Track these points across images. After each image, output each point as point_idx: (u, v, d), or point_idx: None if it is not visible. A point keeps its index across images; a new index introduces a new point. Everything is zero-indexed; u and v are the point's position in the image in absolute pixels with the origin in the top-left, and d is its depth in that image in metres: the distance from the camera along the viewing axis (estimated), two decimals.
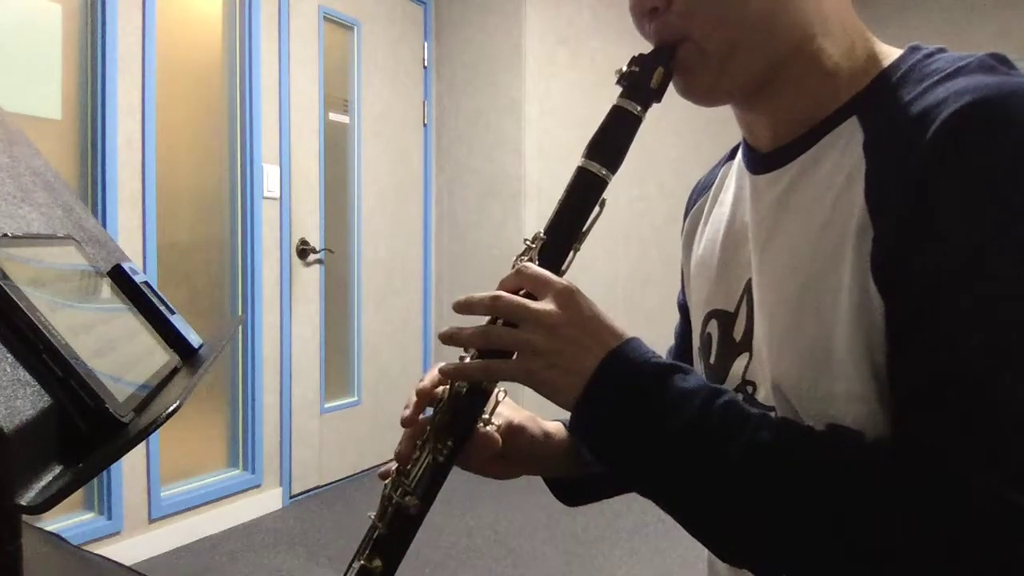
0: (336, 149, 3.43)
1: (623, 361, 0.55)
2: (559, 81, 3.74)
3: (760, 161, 0.64)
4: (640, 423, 0.54)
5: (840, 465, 0.49)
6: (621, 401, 0.54)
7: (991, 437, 0.45)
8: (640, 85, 0.60)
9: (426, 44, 3.89)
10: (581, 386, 0.55)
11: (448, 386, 0.64)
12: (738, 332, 0.66)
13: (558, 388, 0.56)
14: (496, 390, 0.65)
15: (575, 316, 0.56)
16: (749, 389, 0.64)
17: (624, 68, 0.61)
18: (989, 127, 0.48)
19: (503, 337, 0.57)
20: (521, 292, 0.59)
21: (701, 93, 0.61)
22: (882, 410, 0.52)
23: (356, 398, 3.57)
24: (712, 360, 0.69)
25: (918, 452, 0.47)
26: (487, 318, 0.59)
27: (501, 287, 0.59)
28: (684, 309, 0.81)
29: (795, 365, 0.57)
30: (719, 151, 0.78)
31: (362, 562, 0.62)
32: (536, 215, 3.64)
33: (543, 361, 0.55)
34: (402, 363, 3.81)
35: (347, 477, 3.48)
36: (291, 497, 3.20)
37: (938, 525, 0.45)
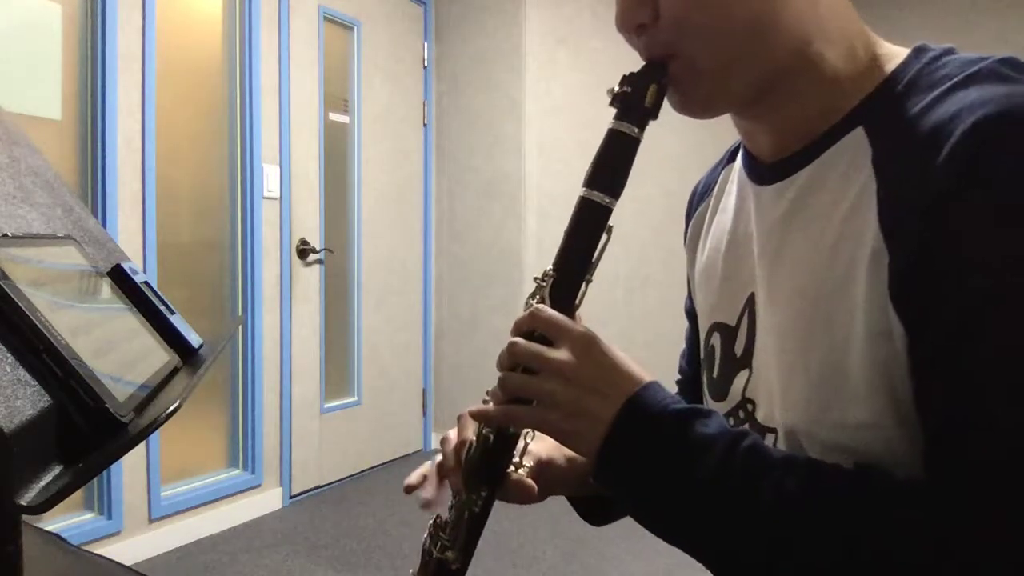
0: (336, 149, 3.43)
1: (642, 408, 0.54)
2: (559, 81, 3.74)
3: (763, 172, 0.62)
4: (661, 471, 0.53)
5: (871, 514, 0.47)
6: (641, 449, 0.53)
7: (1018, 487, 0.44)
8: (633, 105, 0.58)
9: (426, 44, 3.89)
10: (601, 435, 0.54)
11: (476, 433, 0.63)
12: (739, 348, 0.65)
13: (578, 438, 0.55)
14: (523, 431, 0.65)
15: (591, 364, 0.55)
16: (749, 407, 0.63)
17: (616, 88, 0.59)
18: (1006, 143, 0.45)
19: (521, 385, 0.57)
20: (537, 334, 0.57)
21: (697, 109, 0.59)
22: (900, 436, 0.50)
23: (356, 398, 3.57)
24: (715, 374, 0.68)
25: (948, 503, 0.46)
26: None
27: (516, 330, 0.58)
28: (692, 315, 0.80)
29: (805, 388, 0.55)
30: (720, 150, 0.78)
31: None
32: (536, 214, 3.64)
33: (561, 411, 0.55)
34: (402, 363, 3.81)
35: (347, 477, 3.48)
36: (291, 497, 3.20)
37: None
